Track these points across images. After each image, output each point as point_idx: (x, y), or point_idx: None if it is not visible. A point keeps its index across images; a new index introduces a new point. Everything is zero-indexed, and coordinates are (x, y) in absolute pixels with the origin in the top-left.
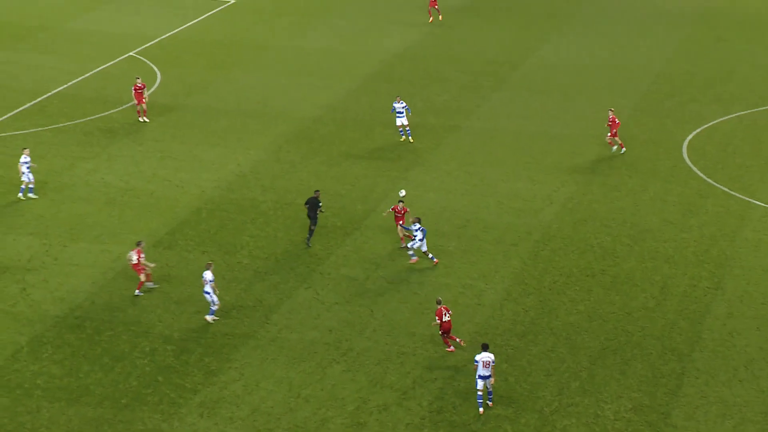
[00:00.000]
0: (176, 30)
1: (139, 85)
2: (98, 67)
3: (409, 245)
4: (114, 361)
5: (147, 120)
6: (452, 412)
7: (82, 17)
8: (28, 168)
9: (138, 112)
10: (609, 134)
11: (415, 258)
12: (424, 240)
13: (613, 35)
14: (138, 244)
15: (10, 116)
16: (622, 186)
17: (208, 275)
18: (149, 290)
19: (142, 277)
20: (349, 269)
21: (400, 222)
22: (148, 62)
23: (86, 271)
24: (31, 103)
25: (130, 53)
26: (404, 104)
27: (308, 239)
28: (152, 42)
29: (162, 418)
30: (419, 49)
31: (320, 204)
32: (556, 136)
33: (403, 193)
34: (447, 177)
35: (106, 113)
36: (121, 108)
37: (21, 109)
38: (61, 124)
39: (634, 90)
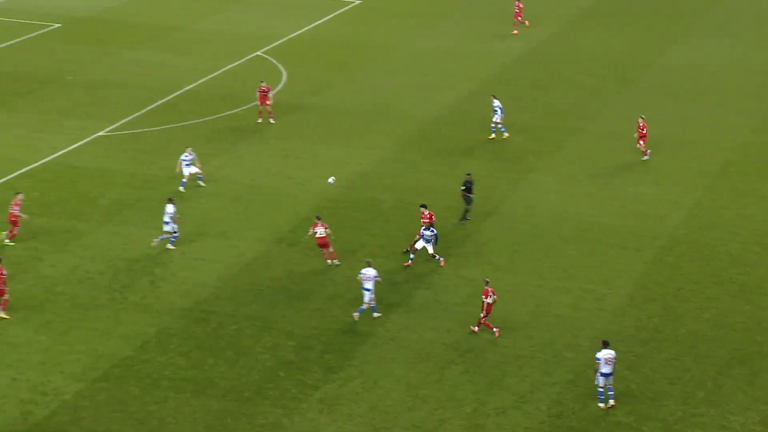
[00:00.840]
0: (302, 30)
1: (264, 87)
2: (227, 65)
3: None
4: (237, 354)
5: (272, 121)
6: (572, 417)
7: (212, 18)
8: (187, 165)
9: (260, 113)
10: (638, 141)
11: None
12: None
13: (743, 37)
14: (317, 218)
15: (143, 113)
16: (751, 192)
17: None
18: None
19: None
20: (469, 270)
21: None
22: (274, 61)
23: (212, 265)
24: (163, 100)
25: (258, 52)
26: (498, 103)
27: (464, 218)
28: (279, 42)
29: (283, 412)
30: (542, 51)
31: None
32: (682, 139)
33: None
34: (568, 180)
35: (234, 111)
36: (247, 106)
37: (153, 106)
38: (191, 122)
39: (766, 93)
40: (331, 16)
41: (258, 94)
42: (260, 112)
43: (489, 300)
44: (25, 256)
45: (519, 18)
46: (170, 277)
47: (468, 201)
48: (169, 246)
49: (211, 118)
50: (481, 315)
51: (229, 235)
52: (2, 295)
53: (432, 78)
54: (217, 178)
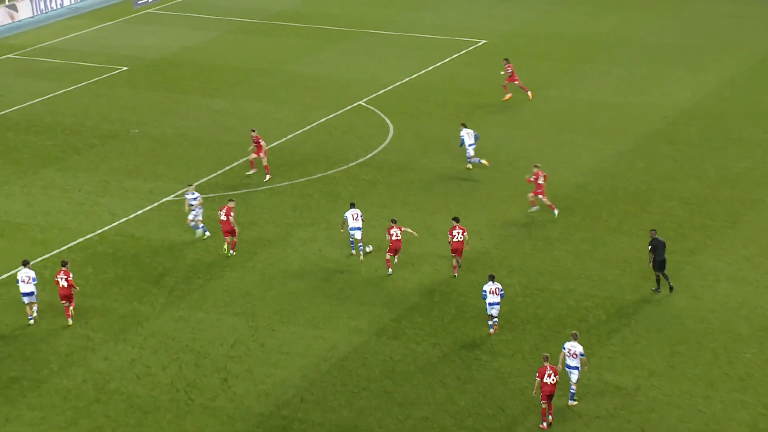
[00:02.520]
0: (415, 75)
1: (254, 137)
2: (321, 117)
3: None
4: None
5: (261, 175)
6: None
7: (304, 60)
8: (192, 206)
9: (251, 163)
10: (534, 192)
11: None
12: None
13: None
14: (393, 221)
15: (221, 173)
16: None
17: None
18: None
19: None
20: (615, 375)
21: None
22: (379, 113)
23: (296, 361)
24: (245, 158)
25: (359, 102)
26: (465, 132)
27: (669, 285)
28: (386, 89)
29: None
30: (714, 103)
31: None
32: None
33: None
34: (745, 264)
35: (328, 172)
36: (345, 166)
37: (233, 165)
38: (277, 185)
39: None
40: (450, 58)
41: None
42: (252, 162)
43: (551, 381)
44: (74, 345)
45: (516, 81)
46: (246, 374)
47: (657, 265)
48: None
49: (300, 180)
50: (542, 403)
51: (317, 324)
52: (71, 302)
53: (575, 135)
54: (305, 254)
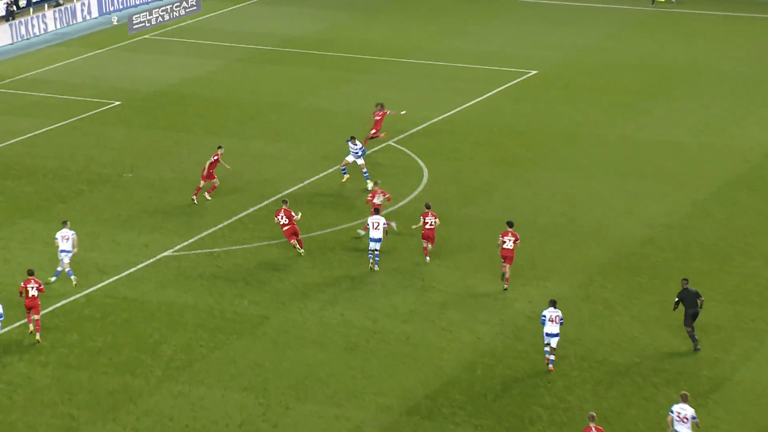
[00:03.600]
0: (453, 111)
1: (215, 158)
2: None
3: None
4: None
5: (207, 197)
6: None
7: (326, 92)
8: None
9: (198, 188)
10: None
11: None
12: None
13: None
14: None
15: (228, 224)
16: None
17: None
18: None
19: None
20: None
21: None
22: (411, 154)
23: None
24: (255, 207)
25: (389, 142)
26: (360, 145)
27: (695, 344)
28: (419, 127)
29: None
30: None
31: (700, 298)
32: None
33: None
34: None
35: (352, 224)
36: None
37: (242, 214)
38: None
39: None
40: (495, 91)
41: (208, 164)
42: (199, 188)
43: None
44: (56, 426)
45: (375, 128)
46: None
47: (688, 319)
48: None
49: (319, 233)
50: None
51: (339, 401)
52: (36, 313)
53: (641, 181)
54: (325, 319)
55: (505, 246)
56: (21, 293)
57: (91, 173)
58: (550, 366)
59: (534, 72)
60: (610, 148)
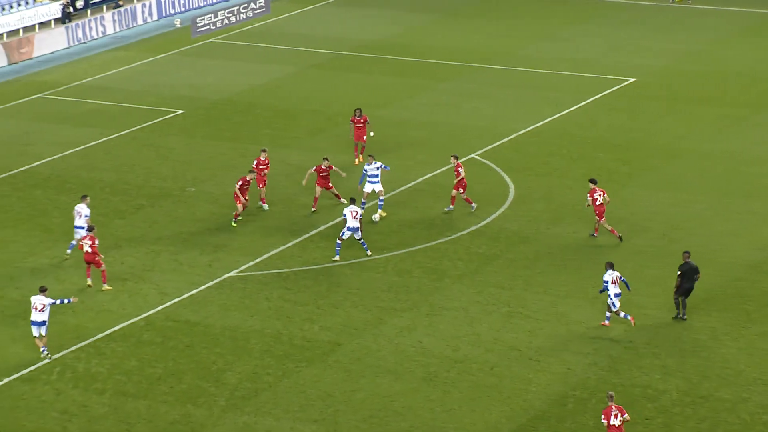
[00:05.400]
0: (543, 121)
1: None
2: (423, 175)
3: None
4: None
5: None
6: None
7: (405, 102)
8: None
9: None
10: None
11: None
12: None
13: None
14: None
15: (298, 242)
16: None
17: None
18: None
19: None
20: None
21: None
22: (496, 169)
23: None
24: (326, 225)
25: (472, 155)
26: (378, 164)
27: (683, 314)
28: (505, 139)
29: None
30: None
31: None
32: None
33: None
34: None
35: (432, 243)
36: (453, 236)
37: (312, 232)
38: (366, 258)
39: None
40: (588, 101)
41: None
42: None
43: (615, 422)
44: None
45: (362, 139)
46: None
47: (683, 291)
48: None
49: (398, 253)
50: None
51: None
52: (99, 266)
53: (750, 200)
54: (402, 347)
55: (597, 203)
56: (81, 248)
57: (151, 187)
58: (606, 322)
59: (631, 80)
60: (714, 164)
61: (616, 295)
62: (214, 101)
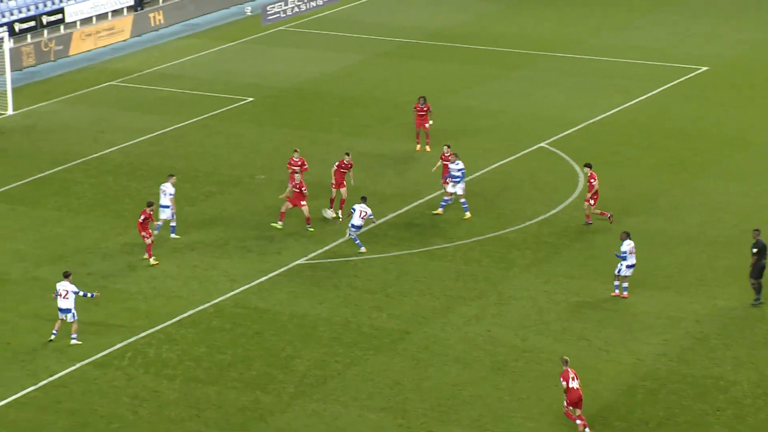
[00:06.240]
0: (613, 110)
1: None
2: (492, 163)
3: None
4: None
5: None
6: None
7: (474, 90)
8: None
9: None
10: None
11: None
12: None
13: None
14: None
15: (365, 232)
16: None
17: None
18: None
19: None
20: None
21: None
22: (566, 158)
23: None
24: (394, 213)
25: (541, 144)
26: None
27: (758, 298)
28: (575, 128)
29: None
30: None
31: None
32: None
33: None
34: None
35: (500, 232)
36: (522, 225)
37: (380, 220)
38: (436, 246)
39: None
40: (660, 89)
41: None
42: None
43: (573, 385)
44: None
45: (424, 126)
46: None
47: (756, 271)
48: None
49: (466, 241)
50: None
51: (485, 425)
52: (144, 240)
53: None
54: (470, 335)
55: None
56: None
57: (221, 174)
58: (617, 293)
59: (704, 69)
60: None
61: (629, 267)
62: (283, 89)
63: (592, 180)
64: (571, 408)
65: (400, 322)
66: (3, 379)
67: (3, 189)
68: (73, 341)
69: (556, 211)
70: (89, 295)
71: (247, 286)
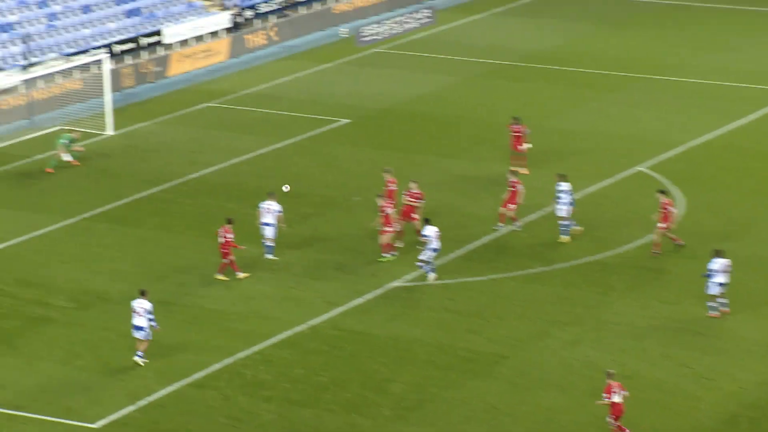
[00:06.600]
0: (713, 133)
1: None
2: (588, 186)
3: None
4: None
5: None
6: None
7: (568, 112)
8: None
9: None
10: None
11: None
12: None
13: None
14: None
15: (465, 251)
16: None
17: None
18: None
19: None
20: None
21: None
22: (664, 181)
23: None
24: (489, 237)
25: (638, 167)
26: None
27: None
28: (674, 151)
29: None
30: None
31: None
32: None
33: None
34: None
35: (598, 256)
36: (620, 249)
37: (477, 243)
38: (532, 270)
39: None
40: (760, 113)
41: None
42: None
43: (616, 398)
44: None
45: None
46: None
47: None
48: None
49: (563, 265)
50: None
51: None
52: (224, 258)
53: None
54: (567, 360)
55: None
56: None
57: (316, 196)
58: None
59: None
60: None
61: (719, 284)
62: (378, 110)
63: (668, 207)
64: (614, 423)
65: (497, 345)
66: (102, 399)
67: (103, 209)
68: (137, 359)
69: (654, 236)
70: (153, 323)
71: (343, 308)
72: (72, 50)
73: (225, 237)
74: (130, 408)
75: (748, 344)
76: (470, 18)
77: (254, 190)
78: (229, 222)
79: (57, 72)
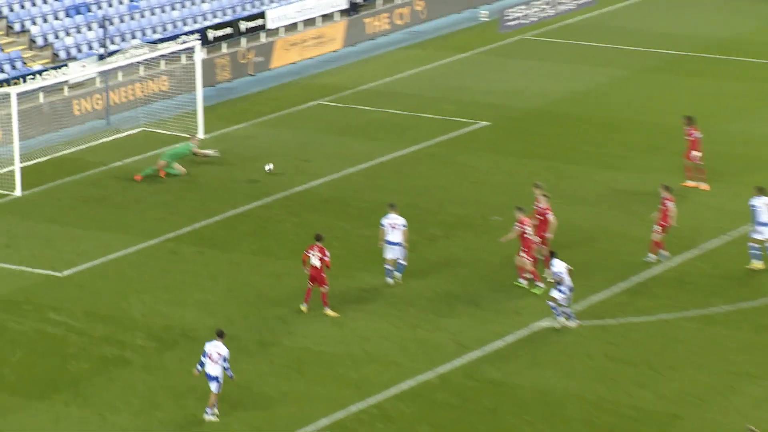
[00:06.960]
0: None
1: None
2: None
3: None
4: None
5: None
6: None
7: (761, 115)
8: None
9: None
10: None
11: None
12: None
13: None
14: None
15: (624, 288)
16: None
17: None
18: None
19: None
20: None
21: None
22: None
23: None
24: (664, 267)
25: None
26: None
27: None
28: None
29: None
30: None
31: None
32: None
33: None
34: None
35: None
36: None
37: (646, 275)
38: (715, 309)
39: None
40: None
41: None
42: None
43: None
44: None
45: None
46: None
47: None
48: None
49: (753, 304)
50: None
51: None
52: (321, 285)
53: None
54: (760, 423)
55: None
56: (304, 261)
57: (447, 214)
58: None
59: None
60: None
61: None
62: (525, 110)
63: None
64: None
65: (669, 403)
66: None
67: (191, 228)
68: (208, 417)
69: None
70: (229, 373)
71: (479, 353)
72: (158, 36)
73: (322, 259)
74: None
75: None
76: None
77: (372, 206)
78: (318, 239)
79: (139, 62)
